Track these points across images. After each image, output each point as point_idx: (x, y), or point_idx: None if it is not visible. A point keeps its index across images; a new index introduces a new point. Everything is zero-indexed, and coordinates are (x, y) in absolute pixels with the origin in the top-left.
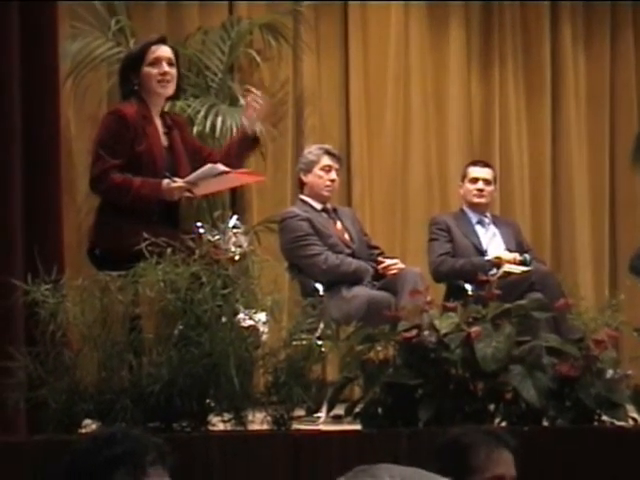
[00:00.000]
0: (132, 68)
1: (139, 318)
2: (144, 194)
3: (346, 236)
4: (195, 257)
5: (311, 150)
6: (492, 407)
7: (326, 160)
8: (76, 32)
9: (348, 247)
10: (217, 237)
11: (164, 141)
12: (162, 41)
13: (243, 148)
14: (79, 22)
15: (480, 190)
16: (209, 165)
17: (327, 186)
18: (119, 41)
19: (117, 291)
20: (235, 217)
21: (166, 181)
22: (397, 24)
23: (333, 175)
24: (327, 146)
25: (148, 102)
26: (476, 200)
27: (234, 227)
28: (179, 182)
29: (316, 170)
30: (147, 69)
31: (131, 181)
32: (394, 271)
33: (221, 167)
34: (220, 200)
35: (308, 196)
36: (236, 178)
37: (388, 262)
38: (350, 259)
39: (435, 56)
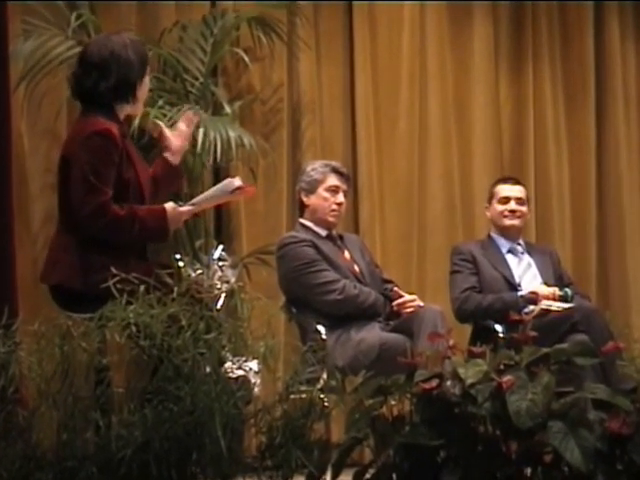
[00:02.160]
0: (141, 75)
1: (107, 369)
2: (151, 226)
3: (355, 268)
4: (173, 296)
5: (315, 167)
6: (528, 471)
7: (333, 180)
8: (29, 29)
9: (359, 280)
10: (199, 271)
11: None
12: None
13: (170, 183)
14: (33, 17)
15: (513, 211)
16: (228, 180)
17: (333, 210)
18: (81, 39)
19: (80, 337)
20: (221, 247)
21: (170, 205)
22: (411, 15)
23: (340, 198)
24: (334, 163)
25: (120, 115)
26: (508, 222)
27: (219, 259)
28: (185, 205)
29: (320, 191)
30: (147, 79)
31: (135, 212)
32: (411, 309)
33: (237, 182)
34: (202, 226)
35: (310, 221)
36: (245, 192)
37: (405, 298)
38: (369, 289)
39: (457, 54)
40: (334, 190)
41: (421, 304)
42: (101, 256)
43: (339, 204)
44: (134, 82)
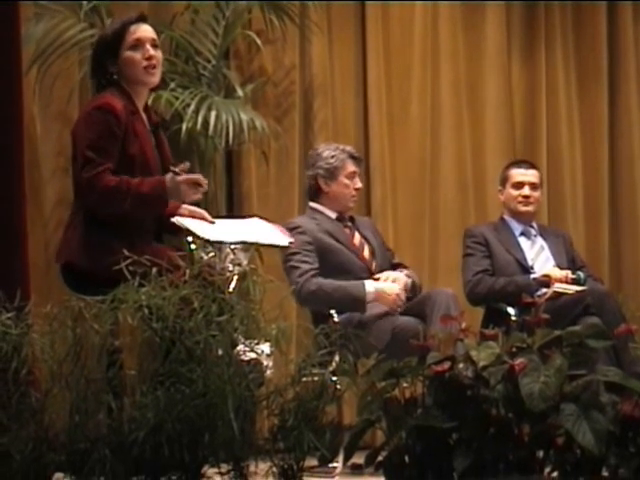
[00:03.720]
0: (109, 54)
1: (119, 352)
2: (146, 194)
3: (366, 251)
4: (185, 278)
5: (333, 154)
6: (541, 454)
7: (351, 166)
8: (41, 12)
9: (366, 265)
10: (212, 254)
11: (152, 141)
12: (142, 20)
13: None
14: None
15: (526, 197)
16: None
17: (354, 196)
18: (92, 22)
19: (93, 319)
20: None
21: (170, 175)
22: None
23: (359, 183)
24: (349, 148)
25: (132, 94)
26: (522, 208)
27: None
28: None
29: (342, 178)
30: (128, 53)
31: (128, 181)
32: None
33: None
34: (214, 210)
35: (323, 205)
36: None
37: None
38: (344, 285)
39: (469, 36)
40: (352, 177)
41: (393, 274)
42: (111, 237)
43: (357, 189)
44: (104, 64)
